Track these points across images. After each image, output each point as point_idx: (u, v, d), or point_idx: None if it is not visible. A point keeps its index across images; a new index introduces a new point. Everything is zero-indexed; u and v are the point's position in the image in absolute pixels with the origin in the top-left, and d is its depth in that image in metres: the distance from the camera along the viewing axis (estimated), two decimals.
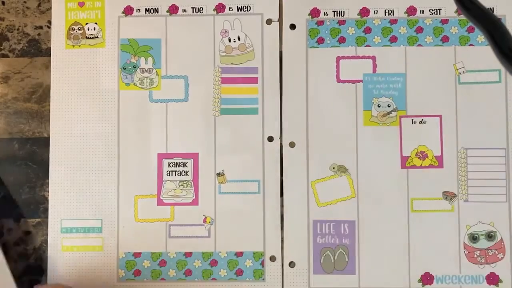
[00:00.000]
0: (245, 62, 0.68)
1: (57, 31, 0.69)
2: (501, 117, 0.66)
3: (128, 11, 0.69)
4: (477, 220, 0.66)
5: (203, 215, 0.67)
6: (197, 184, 0.67)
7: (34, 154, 0.69)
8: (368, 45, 0.68)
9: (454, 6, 0.67)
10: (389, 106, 0.67)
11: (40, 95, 0.69)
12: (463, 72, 0.67)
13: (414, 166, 0.67)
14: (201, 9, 0.69)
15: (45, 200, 0.68)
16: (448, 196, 0.66)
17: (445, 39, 0.67)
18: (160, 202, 0.67)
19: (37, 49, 0.69)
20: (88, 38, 0.69)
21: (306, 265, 0.66)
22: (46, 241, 0.68)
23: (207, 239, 0.67)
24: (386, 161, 0.67)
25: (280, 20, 0.69)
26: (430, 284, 0.65)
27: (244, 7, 0.69)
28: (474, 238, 0.66)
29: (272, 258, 0.66)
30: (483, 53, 0.67)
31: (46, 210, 0.68)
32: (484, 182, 0.66)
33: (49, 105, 0.68)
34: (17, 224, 0.68)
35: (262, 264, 0.66)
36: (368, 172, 0.67)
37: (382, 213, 0.66)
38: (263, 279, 0.66)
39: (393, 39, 0.68)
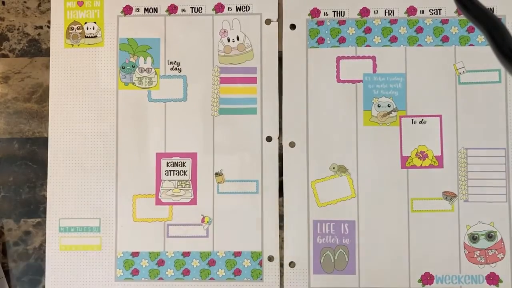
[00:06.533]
0: (243, 62, 0.68)
1: (56, 30, 0.69)
2: (501, 117, 0.66)
3: (127, 10, 0.69)
4: (477, 220, 0.66)
5: (201, 215, 0.67)
6: (195, 183, 0.67)
7: (34, 154, 0.69)
8: (368, 45, 0.68)
9: (454, 6, 0.66)
10: (389, 106, 0.67)
11: (40, 95, 0.69)
12: (463, 72, 0.67)
13: (414, 166, 0.66)
14: (200, 8, 0.69)
15: (45, 200, 0.68)
16: (448, 196, 0.66)
17: (445, 39, 0.67)
18: (158, 202, 0.67)
19: (37, 49, 0.69)
20: (87, 37, 0.69)
21: (306, 265, 0.66)
22: (46, 241, 0.68)
23: (205, 238, 0.67)
24: (386, 161, 0.67)
25: (279, 20, 0.68)
26: (430, 284, 0.65)
27: (243, 7, 0.69)
28: (474, 238, 0.65)
29: (270, 258, 0.66)
30: (483, 53, 0.66)
31: (46, 210, 0.68)
32: (484, 182, 0.66)
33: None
34: (17, 224, 0.68)
35: (260, 264, 0.66)
36: (368, 172, 0.67)
37: (382, 213, 0.66)
38: (261, 279, 0.66)
39: (393, 39, 0.68)
